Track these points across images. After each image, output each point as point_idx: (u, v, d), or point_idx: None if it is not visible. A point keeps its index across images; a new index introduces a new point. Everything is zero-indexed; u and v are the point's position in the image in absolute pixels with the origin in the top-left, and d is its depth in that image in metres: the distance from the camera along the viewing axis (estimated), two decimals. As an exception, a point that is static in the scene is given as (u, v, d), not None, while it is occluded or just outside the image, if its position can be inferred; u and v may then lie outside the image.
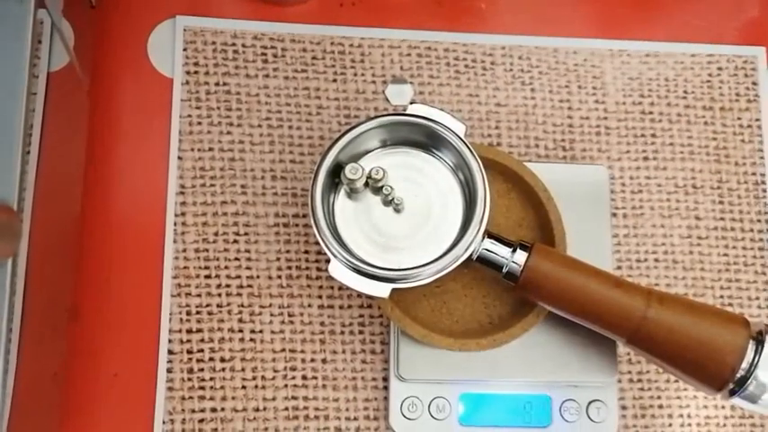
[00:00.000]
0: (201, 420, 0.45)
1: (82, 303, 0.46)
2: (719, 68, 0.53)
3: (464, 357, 0.44)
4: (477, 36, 0.51)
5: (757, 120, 0.52)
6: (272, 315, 0.47)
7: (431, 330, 0.43)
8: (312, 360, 0.46)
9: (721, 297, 0.50)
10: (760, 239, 0.51)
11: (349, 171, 0.40)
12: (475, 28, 0.52)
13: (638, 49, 0.53)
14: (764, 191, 0.52)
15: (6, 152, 0.36)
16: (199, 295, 0.46)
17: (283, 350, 0.46)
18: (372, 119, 0.41)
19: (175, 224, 0.47)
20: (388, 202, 0.41)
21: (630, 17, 0.53)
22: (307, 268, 0.47)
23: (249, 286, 0.47)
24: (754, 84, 0.53)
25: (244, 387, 0.46)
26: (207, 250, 0.47)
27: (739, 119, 0.52)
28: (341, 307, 0.47)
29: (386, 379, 0.46)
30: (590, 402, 0.45)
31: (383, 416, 0.46)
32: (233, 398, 0.45)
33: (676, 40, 0.53)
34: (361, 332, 0.47)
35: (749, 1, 0.55)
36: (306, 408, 0.46)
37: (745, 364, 0.37)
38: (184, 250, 0.47)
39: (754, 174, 0.52)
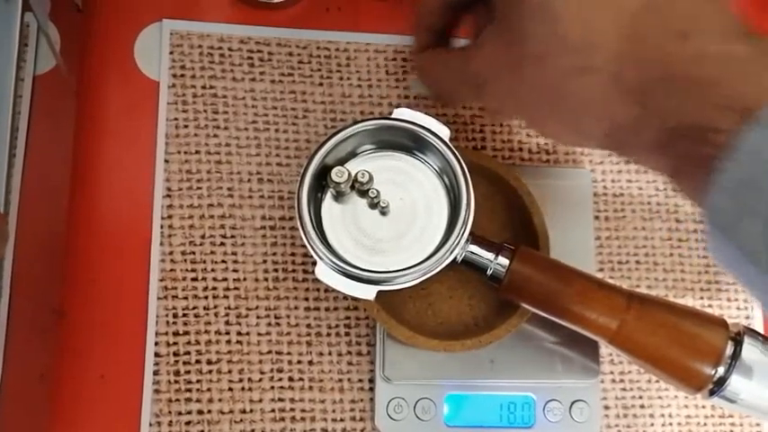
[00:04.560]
0: (188, 423, 0.45)
1: (68, 305, 0.46)
2: (700, 74, 0.54)
3: (449, 358, 0.45)
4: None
5: (737, 124, 0.53)
6: (258, 317, 0.47)
7: (416, 332, 0.43)
8: (299, 362, 0.47)
9: (701, 299, 0.51)
10: (739, 242, 0.52)
11: (335, 174, 0.40)
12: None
13: (621, 54, 0.53)
14: (744, 194, 0.52)
15: (-8, 155, 0.36)
16: (185, 298, 0.46)
17: (270, 352, 0.46)
18: (358, 123, 0.41)
19: (162, 227, 0.47)
20: (374, 205, 0.42)
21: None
22: (293, 271, 0.48)
23: (236, 289, 0.47)
24: (734, 89, 0.54)
25: (230, 389, 0.46)
26: (193, 253, 0.47)
27: (719, 123, 0.53)
28: (327, 309, 0.47)
29: (372, 380, 0.47)
30: (573, 402, 0.46)
31: (369, 417, 0.46)
32: (220, 400, 0.46)
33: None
34: (347, 334, 0.47)
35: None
36: (292, 409, 0.46)
37: (724, 365, 0.37)
38: (171, 253, 0.47)
39: (733, 177, 0.52)
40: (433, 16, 0.43)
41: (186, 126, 0.48)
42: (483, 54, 0.37)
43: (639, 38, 0.32)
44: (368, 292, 0.39)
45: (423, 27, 0.43)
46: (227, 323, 0.46)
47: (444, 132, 0.41)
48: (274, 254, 0.48)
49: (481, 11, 0.41)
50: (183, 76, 0.49)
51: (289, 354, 0.47)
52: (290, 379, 0.46)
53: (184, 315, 0.46)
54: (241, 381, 0.46)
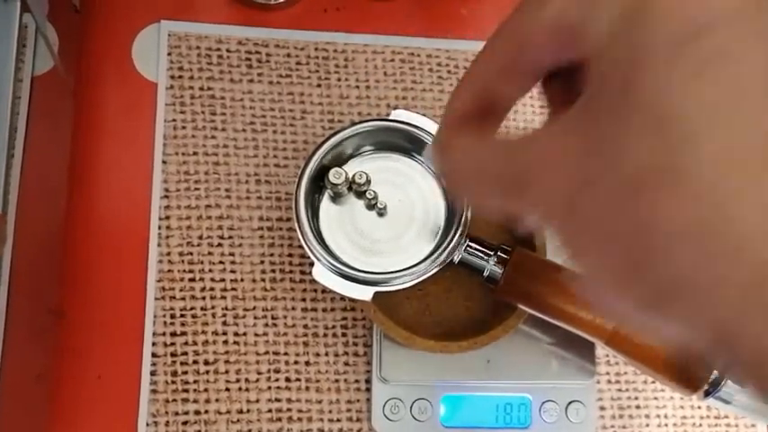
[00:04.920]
0: (185, 423, 0.45)
1: (66, 306, 0.46)
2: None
3: (446, 359, 0.45)
4: (459, 42, 0.52)
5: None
6: (255, 318, 0.47)
7: (413, 333, 0.43)
8: (295, 362, 0.47)
9: (697, 300, 0.51)
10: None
11: (332, 175, 0.40)
12: (457, 34, 0.53)
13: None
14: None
15: (-9, 156, 0.36)
16: (183, 298, 0.47)
17: (267, 353, 0.47)
18: (356, 124, 0.41)
19: (160, 227, 0.47)
20: (371, 206, 0.42)
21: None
22: (290, 271, 0.48)
23: (233, 289, 0.47)
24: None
25: (227, 389, 0.46)
26: (191, 254, 0.47)
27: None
28: (324, 310, 0.47)
29: (368, 381, 0.47)
30: (569, 403, 0.46)
31: (366, 417, 0.46)
32: (217, 400, 0.46)
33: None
34: (344, 335, 0.47)
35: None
36: (289, 410, 0.46)
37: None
38: (168, 254, 0.47)
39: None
40: (488, 78, 0.25)
41: (184, 127, 0.48)
42: (549, 143, 0.22)
43: None
44: (365, 293, 0.39)
45: (469, 92, 0.26)
46: (224, 324, 0.46)
47: (441, 134, 0.41)
48: (272, 255, 0.48)
49: (558, 86, 0.26)
50: (180, 77, 0.49)
51: (286, 354, 0.47)
52: (287, 379, 0.46)
53: (182, 316, 0.46)
54: (238, 381, 0.46)
